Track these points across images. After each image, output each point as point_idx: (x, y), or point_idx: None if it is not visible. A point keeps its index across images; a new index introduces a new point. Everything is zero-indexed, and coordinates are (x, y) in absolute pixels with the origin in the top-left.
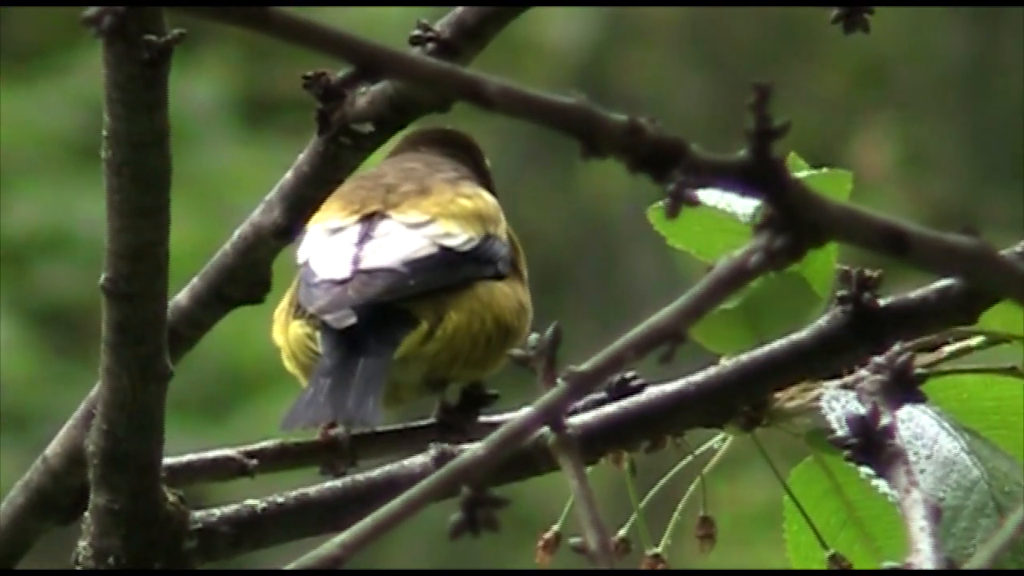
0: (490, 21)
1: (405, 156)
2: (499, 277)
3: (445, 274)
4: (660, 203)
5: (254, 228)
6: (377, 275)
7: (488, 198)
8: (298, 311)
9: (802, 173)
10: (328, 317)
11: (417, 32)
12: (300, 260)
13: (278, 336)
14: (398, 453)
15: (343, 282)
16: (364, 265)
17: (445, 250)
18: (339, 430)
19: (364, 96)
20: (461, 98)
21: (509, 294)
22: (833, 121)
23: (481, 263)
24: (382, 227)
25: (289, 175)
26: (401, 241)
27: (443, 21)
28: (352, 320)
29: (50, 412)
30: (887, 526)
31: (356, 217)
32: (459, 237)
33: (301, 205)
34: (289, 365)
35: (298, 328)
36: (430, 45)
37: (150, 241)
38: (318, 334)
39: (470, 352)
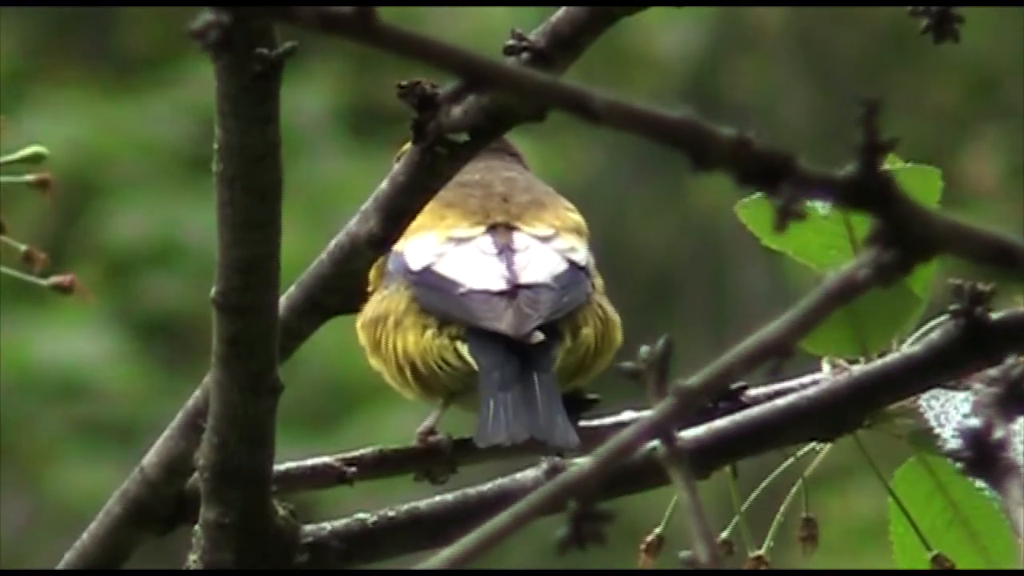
0: (585, 31)
1: (494, 163)
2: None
3: (581, 289)
4: (746, 200)
5: (350, 238)
6: (539, 290)
7: (576, 209)
8: (427, 320)
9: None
10: (519, 334)
11: (511, 42)
12: (416, 266)
13: (396, 345)
14: (497, 460)
15: (502, 295)
16: (523, 280)
17: (572, 264)
18: (440, 436)
19: (459, 106)
20: (568, 112)
21: (610, 307)
22: (942, 133)
23: (590, 276)
24: (518, 240)
25: (385, 185)
26: (543, 256)
27: (538, 31)
28: (541, 337)
29: (155, 423)
30: (993, 525)
31: (483, 228)
32: (580, 252)
33: (397, 215)
34: (401, 376)
35: (434, 341)
36: (524, 55)
37: (262, 254)
38: (459, 345)
39: (592, 363)
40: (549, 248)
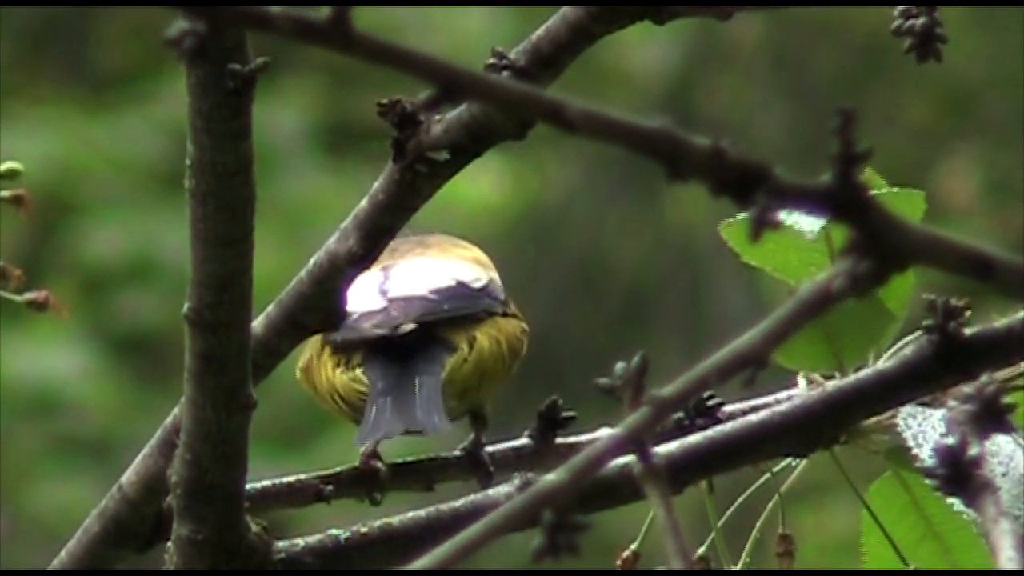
0: (565, 49)
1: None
2: (503, 316)
3: (470, 303)
4: (731, 219)
5: (329, 256)
6: (412, 300)
7: (481, 252)
8: (337, 357)
9: (875, 192)
10: (384, 330)
11: (492, 60)
12: None
13: (323, 383)
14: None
15: (382, 311)
16: (395, 294)
17: (462, 284)
18: (380, 466)
19: (439, 124)
20: (543, 121)
21: (512, 322)
22: (918, 149)
23: (491, 299)
24: (400, 268)
25: (364, 203)
26: (423, 274)
27: (518, 49)
28: (411, 326)
29: (131, 440)
30: (966, 540)
31: (376, 269)
32: (470, 275)
33: (376, 233)
34: (334, 405)
35: (343, 376)
36: (505, 73)
37: (235, 270)
38: (360, 372)
39: (492, 372)
40: (430, 269)
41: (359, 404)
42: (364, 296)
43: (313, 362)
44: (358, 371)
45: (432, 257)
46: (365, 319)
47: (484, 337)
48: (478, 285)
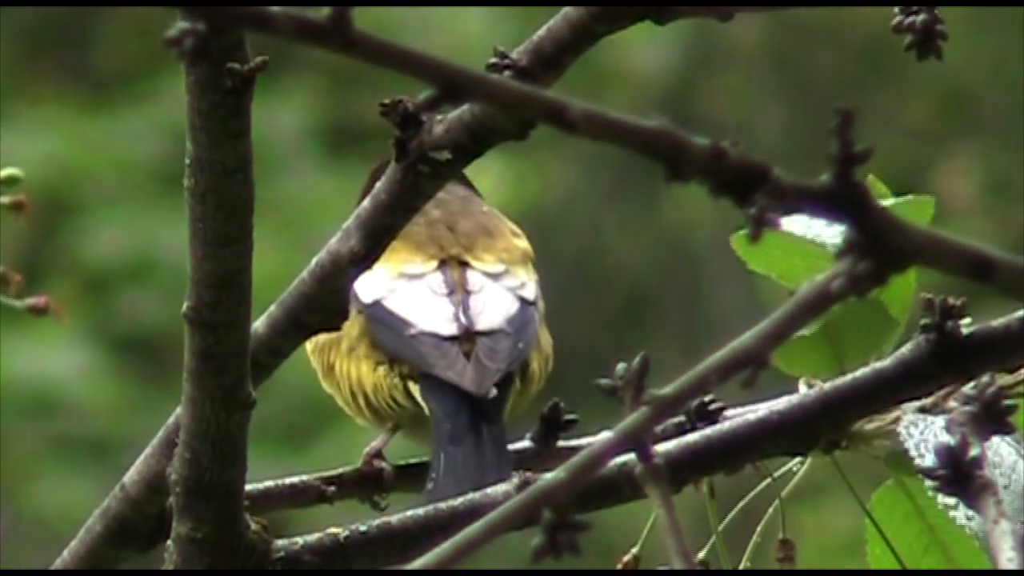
0: (568, 49)
1: None
2: None
3: (532, 330)
4: (744, 231)
5: (331, 256)
6: (497, 338)
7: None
8: (379, 355)
9: (887, 201)
10: (480, 391)
11: (494, 59)
12: (367, 299)
13: (348, 376)
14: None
15: (453, 340)
16: (480, 327)
17: (523, 301)
18: (385, 465)
19: (441, 124)
20: (544, 121)
21: (547, 335)
22: (917, 149)
23: (538, 307)
24: (472, 280)
25: (366, 203)
26: (497, 297)
27: (520, 49)
28: (494, 393)
29: (132, 439)
30: (971, 550)
31: (435, 264)
32: (528, 287)
33: (378, 233)
34: (355, 403)
35: (384, 380)
36: (507, 72)
37: (234, 269)
38: (411, 385)
39: (533, 394)
40: (501, 287)
41: (385, 412)
42: (430, 308)
43: (343, 344)
44: (411, 385)
45: (498, 259)
46: (435, 347)
47: (534, 362)
48: (533, 297)
